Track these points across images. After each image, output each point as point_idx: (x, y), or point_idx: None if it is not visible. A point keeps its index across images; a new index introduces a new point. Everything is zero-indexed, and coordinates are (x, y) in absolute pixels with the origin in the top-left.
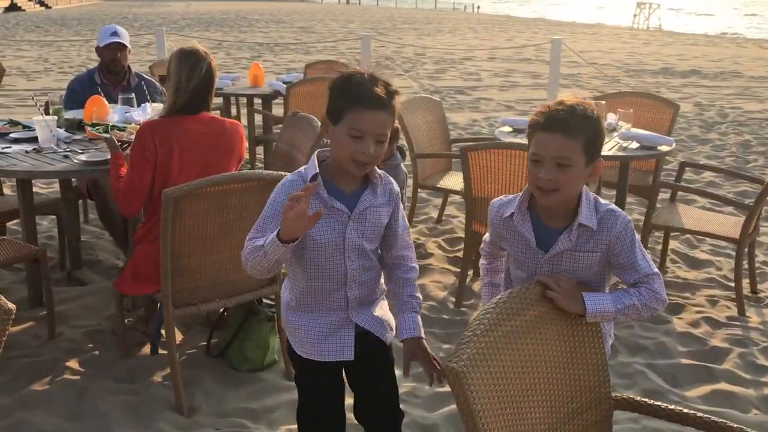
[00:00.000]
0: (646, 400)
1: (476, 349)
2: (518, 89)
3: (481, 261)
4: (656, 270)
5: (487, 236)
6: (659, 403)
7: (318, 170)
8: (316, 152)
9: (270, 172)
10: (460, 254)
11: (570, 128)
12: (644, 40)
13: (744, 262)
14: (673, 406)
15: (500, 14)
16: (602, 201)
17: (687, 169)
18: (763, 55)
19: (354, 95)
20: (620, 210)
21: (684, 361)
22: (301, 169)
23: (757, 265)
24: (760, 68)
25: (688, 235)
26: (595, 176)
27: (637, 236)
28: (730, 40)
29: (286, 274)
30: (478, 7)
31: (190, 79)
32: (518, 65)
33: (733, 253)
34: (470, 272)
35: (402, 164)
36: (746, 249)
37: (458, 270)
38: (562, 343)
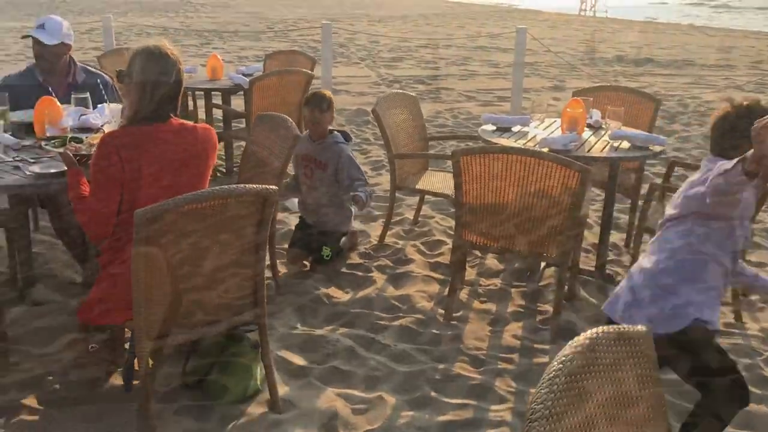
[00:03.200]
0: None
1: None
2: (477, 78)
3: None
4: None
5: None
6: None
7: None
8: None
9: (256, 186)
10: (441, 259)
11: None
12: (595, 27)
13: None
14: None
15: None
16: None
17: (653, 162)
18: (711, 42)
19: None
20: None
21: None
22: None
23: None
24: (711, 56)
25: None
26: None
27: None
28: (675, 27)
29: None
30: None
31: (158, 87)
32: (474, 53)
33: None
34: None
35: (341, 143)
36: None
37: (441, 277)
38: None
